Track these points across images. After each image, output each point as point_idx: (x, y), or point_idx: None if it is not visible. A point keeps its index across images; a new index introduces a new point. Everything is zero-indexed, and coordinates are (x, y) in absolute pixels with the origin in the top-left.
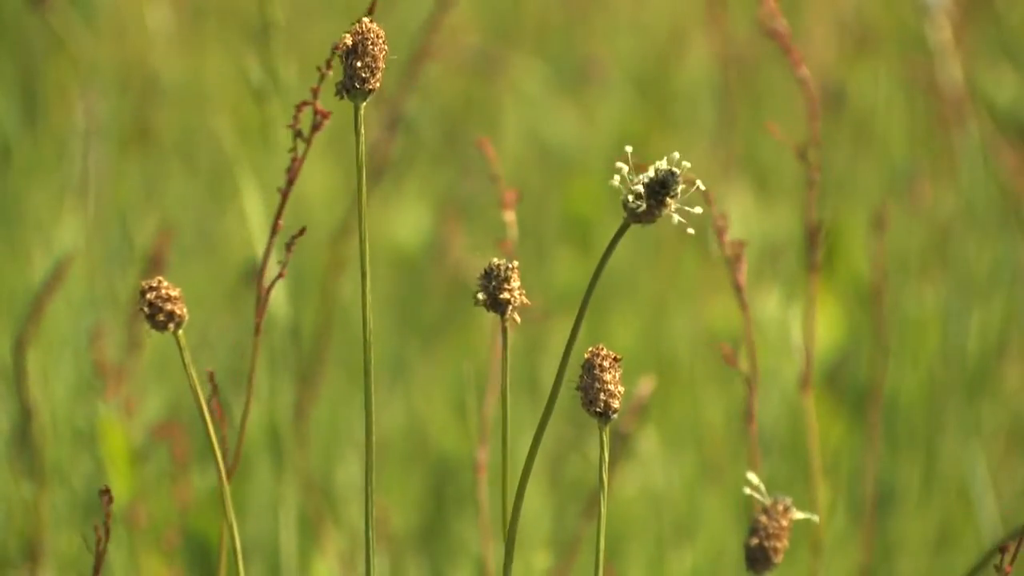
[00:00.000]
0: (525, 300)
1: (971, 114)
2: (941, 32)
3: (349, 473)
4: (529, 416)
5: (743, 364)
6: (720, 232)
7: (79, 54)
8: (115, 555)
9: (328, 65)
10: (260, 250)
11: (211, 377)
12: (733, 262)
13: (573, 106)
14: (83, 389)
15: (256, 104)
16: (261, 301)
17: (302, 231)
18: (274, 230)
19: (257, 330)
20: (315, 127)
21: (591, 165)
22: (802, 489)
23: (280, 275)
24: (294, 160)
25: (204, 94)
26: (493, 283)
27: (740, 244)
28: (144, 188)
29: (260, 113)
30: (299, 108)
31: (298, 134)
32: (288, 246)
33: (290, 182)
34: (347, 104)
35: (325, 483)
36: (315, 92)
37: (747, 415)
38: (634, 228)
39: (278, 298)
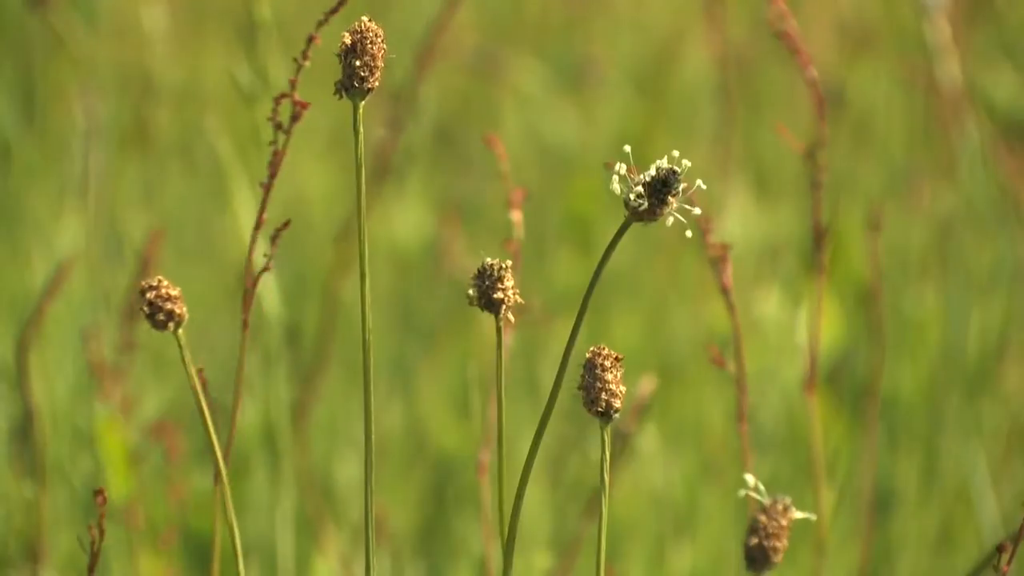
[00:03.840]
0: (519, 299)
1: (970, 114)
2: (940, 32)
3: (349, 473)
4: (530, 416)
5: (732, 365)
6: (705, 234)
7: (79, 54)
8: (114, 554)
9: (305, 56)
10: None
11: (200, 374)
12: (718, 263)
13: (573, 106)
14: (83, 388)
15: (246, 106)
16: (247, 295)
17: (286, 224)
18: (258, 224)
19: (245, 325)
20: (294, 118)
21: (591, 165)
22: (803, 489)
23: (266, 268)
24: (275, 153)
25: (203, 95)
26: (486, 283)
27: (725, 246)
28: (143, 189)
29: (250, 114)
30: (277, 100)
31: (278, 127)
32: (273, 239)
33: (272, 175)
34: (347, 104)
35: (325, 483)
36: (293, 83)
37: (738, 415)
38: (634, 228)
39: (272, 297)
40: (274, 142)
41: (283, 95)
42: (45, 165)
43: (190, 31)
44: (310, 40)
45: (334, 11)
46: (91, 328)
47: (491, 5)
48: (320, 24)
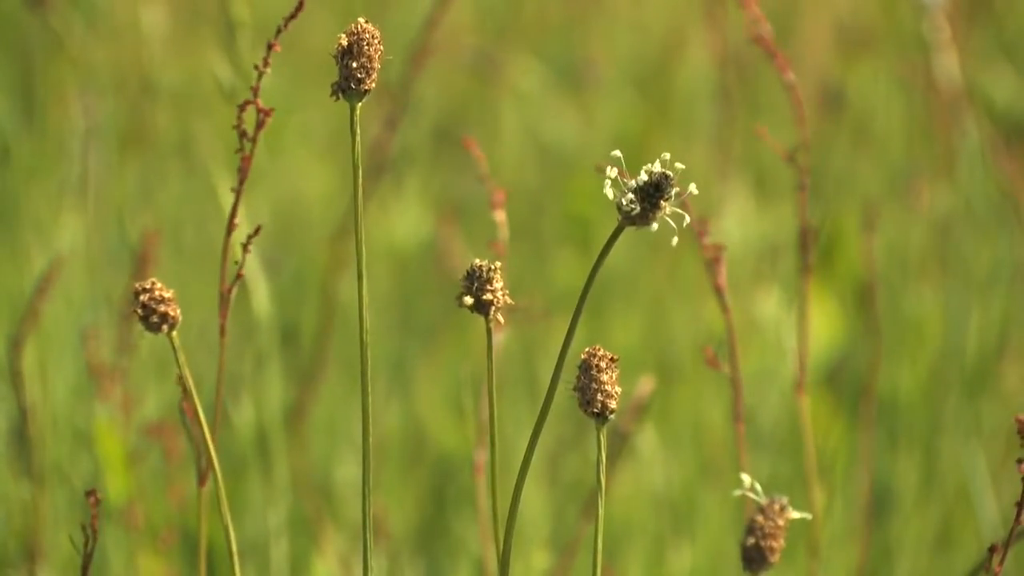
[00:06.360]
0: (509, 301)
1: (969, 113)
2: (939, 32)
3: (348, 473)
4: (528, 416)
5: (727, 366)
6: (699, 235)
7: (78, 55)
8: (113, 555)
9: (266, 63)
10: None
11: (179, 380)
12: (712, 265)
13: (572, 106)
14: (82, 389)
15: (228, 105)
16: (223, 300)
17: (257, 230)
18: (230, 229)
19: (222, 332)
20: (259, 125)
21: (590, 165)
22: (802, 489)
23: (238, 276)
24: (244, 159)
25: (201, 95)
26: (476, 284)
27: (719, 247)
28: (142, 188)
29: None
30: (242, 108)
31: (243, 134)
32: (244, 246)
33: (241, 181)
34: (346, 104)
35: (325, 483)
36: (255, 91)
37: (734, 416)
38: (633, 228)
39: (263, 298)
40: (240, 149)
41: (247, 102)
42: (44, 165)
43: (188, 32)
44: (270, 48)
45: (293, 16)
46: (90, 328)
47: (490, 5)
48: (279, 31)
